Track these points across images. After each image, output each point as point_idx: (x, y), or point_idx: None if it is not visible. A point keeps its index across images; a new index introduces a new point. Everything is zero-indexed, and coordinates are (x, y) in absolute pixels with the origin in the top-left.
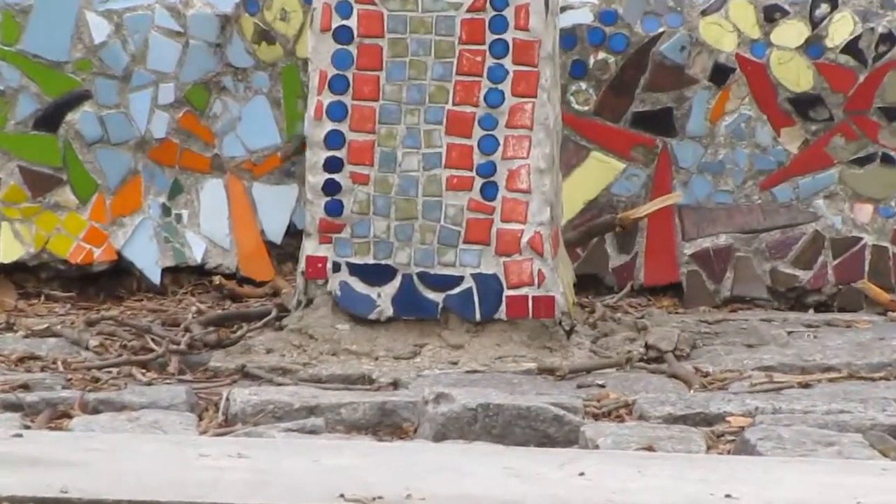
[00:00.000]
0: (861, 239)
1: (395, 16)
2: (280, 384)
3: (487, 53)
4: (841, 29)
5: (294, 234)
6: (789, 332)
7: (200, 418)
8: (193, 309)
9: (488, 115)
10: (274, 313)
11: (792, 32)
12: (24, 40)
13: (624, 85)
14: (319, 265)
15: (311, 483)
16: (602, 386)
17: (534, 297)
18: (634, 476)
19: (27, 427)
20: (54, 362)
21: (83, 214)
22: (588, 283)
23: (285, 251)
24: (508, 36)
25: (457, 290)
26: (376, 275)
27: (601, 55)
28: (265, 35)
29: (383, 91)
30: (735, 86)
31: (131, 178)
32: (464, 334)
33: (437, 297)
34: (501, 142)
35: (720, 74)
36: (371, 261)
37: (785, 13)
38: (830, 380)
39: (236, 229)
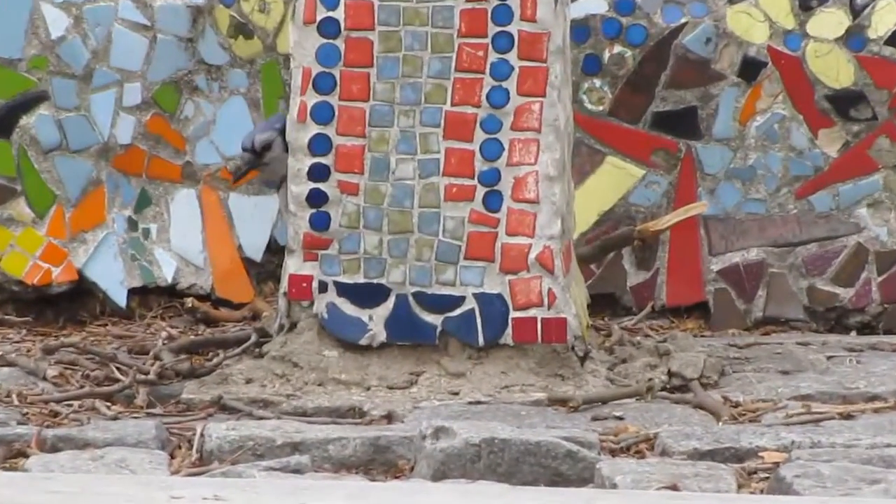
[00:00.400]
0: None
1: (386, 6)
2: (261, 418)
3: (490, 47)
4: (885, 18)
5: (275, 250)
6: (829, 357)
7: (172, 456)
8: (163, 334)
9: (491, 117)
10: (253, 339)
11: (830, 22)
12: None
13: (643, 82)
14: (304, 285)
15: None
16: (620, 418)
17: (543, 320)
18: None
19: None
20: (8, 395)
21: (40, 230)
22: (604, 304)
23: (266, 269)
24: (514, 28)
25: (457, 312)
26: (367, 295)
27: (617, 49)
28: (242, 28)
29: (374, 90)
30: (767, 82)
31: (93, 188)
32: (465, 361)
33: (435, 319)
34: (506, 146)
35: (750, 69)
36: (361, 280)
37: (823, 1)
38: (875, 410)
39: (211, 245)
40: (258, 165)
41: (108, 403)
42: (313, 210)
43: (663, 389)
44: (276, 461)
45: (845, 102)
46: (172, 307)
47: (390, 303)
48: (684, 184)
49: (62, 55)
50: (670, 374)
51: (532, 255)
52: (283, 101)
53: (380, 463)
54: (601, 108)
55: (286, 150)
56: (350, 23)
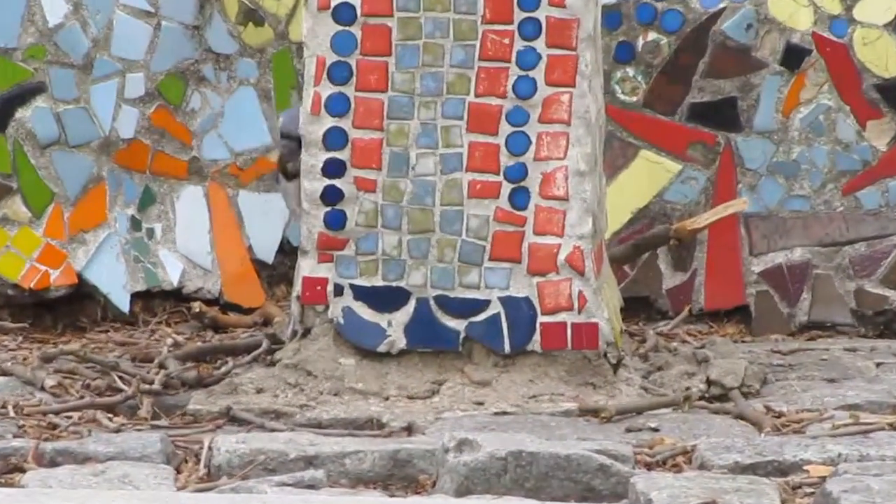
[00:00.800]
0: None
1: None
2: (272, 430)
3: (516, 34)
4: None
5: (288, 251)
6: (878, 364)
7: (178, 471)
8: (169, 341)
9: (518, 108)
10: (265, 346)
11: (879, 7)
12: None
13: (679, 71)
14: (318, 288)
15: None
16: (655, 429)
17: (573, 325)
18: None
19: None
20: (4, 406)
21: (37, 230)
22: (638, 308)
23: (278, 272)
24: (541, 13)
25: (482, 317)
26: (386, 299)
27: (652, 36)
28: (252, 15)
29: (392, 80)
30: (811, 71)
31: (94, 186)
32: (491, 369)
33: (458, 325)
34: (533, 140)
35: (794, 57)
36: (380, 283)
37: None
38: None
39: (219, 246)
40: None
41: (110, 415)
42: (328, 208)
43: (701, 399)
44: (289, 476)
45: (895, 92)
46: (178, 312)
47: (410, 307)
48: (723, 179)
49: (60, 44)
50: (709, 382)
51: (561, 256)
52: (296, 91)
53: (399, 478)
54: (635, 98)
55: None
56: (367, 9)
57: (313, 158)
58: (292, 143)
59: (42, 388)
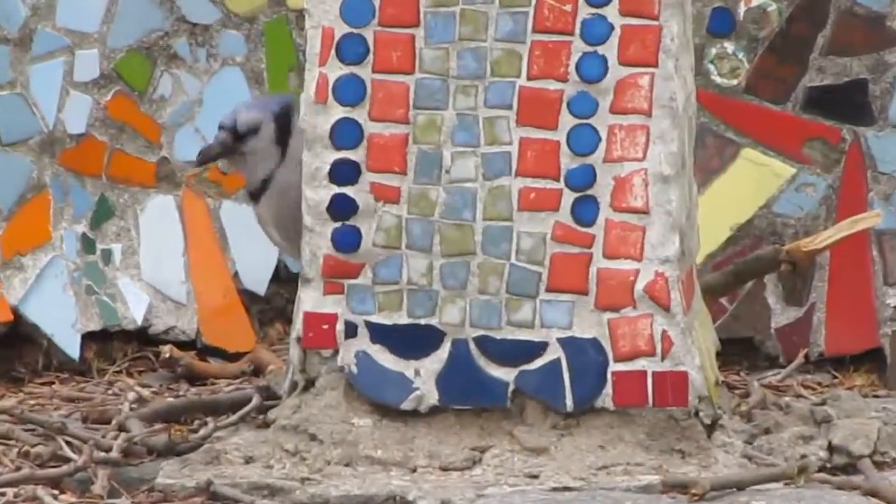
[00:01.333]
0: None
1: None
2: None
3: None
4: None
5: (285, 279)
6: None
7: None
8: (131, 396)
9: (583, 95)
10: (255, 402)
11: None
12: None
13: (792, 46)
14: (325, 327)
15: None
16: None
17: (655, 374)
18: None
19: None
20: None
21: None
22: (739, 352)
23: (272, 306)
24: None
25: (536, 365)
26: (413, 341)
27: (756, 1)
28: None
29: (421, 58)
30: None
31: (34, 195)
32: (548, 432)
33: (506, 374)
34: (603, 135)
35: None
36: (404, 320)
37: None
38: None
39: (196, 273)
40: (235, 152)
41: (55, 491)
42: (337, 224)
43: (821, 470)
44: None
45: None
46: (143, 358)
47: (444, 352)
48: (849, 186)
49: None
50: (831, 448)
51: (640, 286)
52: (295, 73)
53: None
54: (735, 82)
55: (278, 143)
56: None
57: (318, 160)
58: (223, 133)
59: None
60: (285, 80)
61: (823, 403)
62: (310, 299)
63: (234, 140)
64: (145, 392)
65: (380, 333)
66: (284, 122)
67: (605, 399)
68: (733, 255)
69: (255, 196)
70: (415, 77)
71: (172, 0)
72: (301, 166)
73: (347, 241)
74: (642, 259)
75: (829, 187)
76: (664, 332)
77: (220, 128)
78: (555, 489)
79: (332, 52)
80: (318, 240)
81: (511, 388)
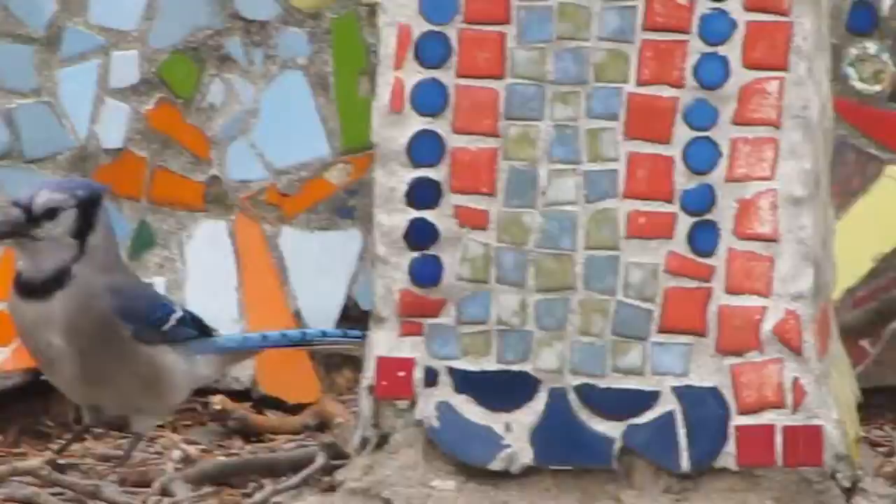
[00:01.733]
0: None
1: None
2: None
3: None
4: None
5: (356, 317)
6: None
7: None
8: (176, 454)
9: (701, 103)
10: (320, 461)
11: None
12: None
13: None
14: (401, 374)
15: None
16: None
17: (786, 429)
18: None
19: None
20: None
21: None
22: (883, 403)
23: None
24: None
25: (647, 418)
26: (503, 391)
27: None
28: None
29: (513, 60)
30: None
31: None
32: (660, 496)
33: (611, 429)
34: (725, 150)
35: None
36: (493, 366)
37: None
38: None
39: (251, 310)
40: (26, 235)
41: None
42: (415, 253)
43: None
44: None
45: None
46: (190, 410)
47: (540, 403)
48: None
49: (13, 8)
50: None
51: (767, 326)
52: (367, 77)
53: None
54: (878, 88)
55: (76, 235)
56: None
57: (393, 179)
58: (16, 211)
59: None
60: (354, 85)
61: None
62: (383, 342)
63: (28, 221)
64: (192, 450)
65: (465, 381)
66: (89, 213)
67: (727, 458)
68: (876, 290)
69: (42, 290)
70: (505, 82)
71: None
72: (106, 271)
73: (427, 273)
74: (770, 295)
75: None
76: (796, 379)
77: (14, 205)
78: None
79: (410, 53)
80: (394, 272)
81: (617, 445)
